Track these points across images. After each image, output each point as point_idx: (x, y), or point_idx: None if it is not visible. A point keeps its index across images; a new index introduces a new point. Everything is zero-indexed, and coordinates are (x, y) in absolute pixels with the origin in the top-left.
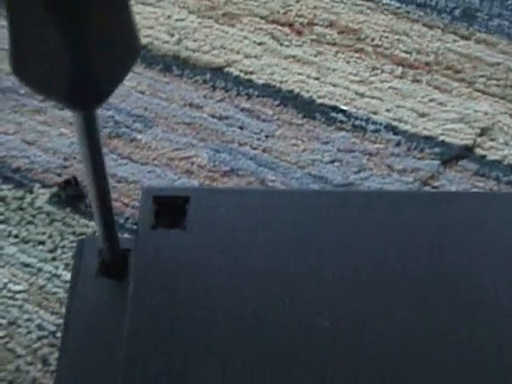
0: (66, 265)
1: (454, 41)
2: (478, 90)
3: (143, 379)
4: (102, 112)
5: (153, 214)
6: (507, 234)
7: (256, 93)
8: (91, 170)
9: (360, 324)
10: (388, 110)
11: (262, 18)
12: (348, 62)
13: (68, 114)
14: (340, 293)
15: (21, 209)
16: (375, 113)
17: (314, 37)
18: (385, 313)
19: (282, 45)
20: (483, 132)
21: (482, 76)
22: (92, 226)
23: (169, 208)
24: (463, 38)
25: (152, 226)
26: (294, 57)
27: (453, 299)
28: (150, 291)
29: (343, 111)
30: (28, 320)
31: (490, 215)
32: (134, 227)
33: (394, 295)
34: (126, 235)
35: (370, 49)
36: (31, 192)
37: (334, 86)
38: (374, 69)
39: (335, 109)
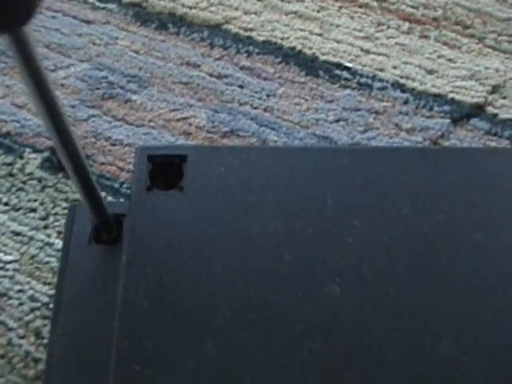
0: (59, 233)
1: None
2: (489, 46)
3: (138, 349)
4: (94, 73)
5: (148, 174)
6: None
7: (256, 50)
8: (45, 111)
9: (371, 289)
10: (395, 67)
11: None
12: (352, 18)
13: (60, 75)
14: (349, 257)
15: (11, 175)
16: (381, 70)
17: None
18: (396, 276)
19: (282, 0)
20: (494, 89)
21: (492, 32)
22: None
23: (165, 168)
24: None
25: (147, 187)
26: (295, 12)
27: (467, 259)
28: (145, 257)
29: (348, 68)
30: (20, 291)
31: (504, 171)
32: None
33: (405, 257)
34: (121, 200)
35: (374, 4)
36: (21, 157)
37: (338, 42)
38: (379, 24)
39: (339, 66)
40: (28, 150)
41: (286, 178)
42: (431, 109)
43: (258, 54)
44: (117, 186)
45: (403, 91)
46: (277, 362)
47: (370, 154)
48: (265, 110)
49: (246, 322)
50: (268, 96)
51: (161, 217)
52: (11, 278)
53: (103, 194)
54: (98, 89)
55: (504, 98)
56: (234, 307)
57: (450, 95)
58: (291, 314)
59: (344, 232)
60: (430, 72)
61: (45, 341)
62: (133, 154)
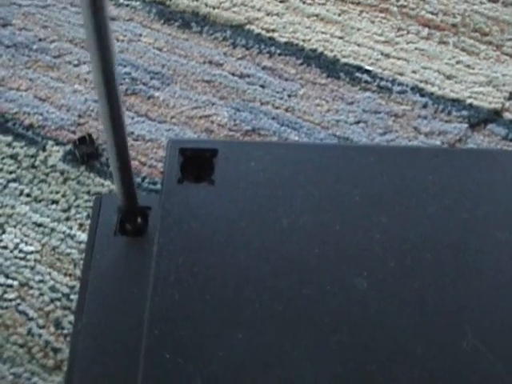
0: (80, 225)
1: (481, 3)
2: (506, 54)
3: (168, 338)
4: (118, 68)
5: (179, 167)
6: None
7: (278, 51)
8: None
9: (397, 284)
10: (414, 72)
11: None
12: (373, 22)
13: (83, 69)
14: (376, 252)
15: (33, 167)
16: (401, 74)
17: None
18: (421, 272)
19: (304, 3)
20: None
21: (510, 39)
22: (107, 185)
23: (196, 162)
24: (490, 0)
25: (178, 179)
26: (317, 15)
27: (490, 256)
28: (176, 248)
29: (368, 71)
30: (40, 282)
31: None
32: (152, 187)
33: (430, 253)
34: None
35: (395, 9)
36: (44, 150)
37: (359, 45)
38: (399, 29)
39: (360, 69)
40: (51, 142)
41: (315, 173)
42: (449, 113)
43: (279, 54)
44: (139, 180)
45: (422, 95)
46: (305, 353)
47: (396, 152)
48: (286, 110)
49: (274, 313)
50: (289, 96)
51: (191, 209)
52: (32, 268)
53: None
54: (121, 84)
55: None
56: (264, 298)
57: (468, 100)
58: (319, 307)
59: (371, 228)
60: (449, 77)
61: (65, 331)
62: (155, 150)
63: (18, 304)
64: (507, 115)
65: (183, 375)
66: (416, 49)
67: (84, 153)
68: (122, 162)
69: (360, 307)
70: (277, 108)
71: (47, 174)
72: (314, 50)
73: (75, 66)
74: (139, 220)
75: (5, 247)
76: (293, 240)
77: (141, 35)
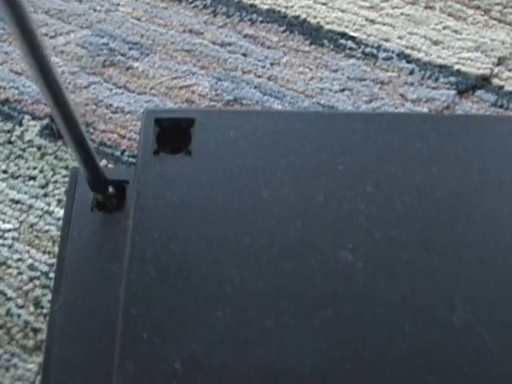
0: (59, 201)
1: None
2: (495, 18)
3: (146, 317)
4: (95, 39)
5: (155, 138)
6: None
7: (260, 19)
8: (39, 72)
9: (384, 256)
10: (400, 38)
11: None
12: None
13: (59, 41)
14: (362, 223)
15: (10, 142)
16: (387, 40)
17: None
18: (409, 243)
19: None
20: (500, 61)
21: (498, 3)
22: None
23: (173, 132)
24: None
25: (154, 151)
26: None
27: (480, 226)
28: (152, 223)
29: (353, 38)
30: (19, 260)
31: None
32: (132, 160)
33: (418, 223)
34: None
35: None
36: (21, 124)
37: (343, 11)
38: None
39: (344, 35)
40: (27, 117)
41: (297, 142)
42: (437, 80)
43: (261, 22)
44: (118, 153)
45: (408, 62)
46: (288, 331)
47: (382, 119)
48: (269, 78)
49: (256, 290)
50: (272, 65)
51: (168, 181)
52: (10, 246)
53: (104, 161)
54: (98, 55)
55: (510, 70)
56: (244, 274)
57: (456, 66)
58: (303, 282)
59: (356, 198)
60: (436, 43)
61: (44, 310)
62: (134, 122)
63: None
64: (496, 81)
65: (161, 356)
66: (402, 14)
67: None
68: (73, 132)
69: (345, 281)
70: (259, 77)
71: (24, 150)
72: (297, 17)
73: (51, 37)
74: (111, 194)
75: None
76: (274, 212)
77: (119, 5)
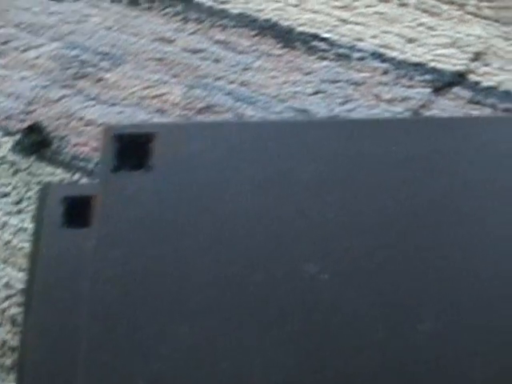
0: (33, 217)
1: None
2: (470, 13)
3: (108, 338)
4: (66, 52)
5: (114, 154)
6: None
7: (231, 23)
8: None
9: (351, 267)
10: (374, 37)
11: None
12: None
13: (31, 55)
14: (329, 235)
15: None
16: (360, 40)
17: None
18: (378, 252)
19: None
20: (476, 57)
21: None
22: (59, 174)
23: (133, 148)
24: None
25: (114, 167)
26: None
27: (451, 232)
28: (114, 241)
29: (325, 39)
30: None
31: (487, 140)
32: None
33: (387, 232)
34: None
35: None
36: None
37: (315, 12)
38: None
39: (317, 37)
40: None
41: (261, 153)
42: (412, 78)
43: (232, 27)
44: (91, 166)
45: (383, 61)
46: (254, 345)
47: (349, 125)
48: (241, 84)
49: (220, 304)
50: (244, 70)
51: (129, 198)
52: None
53: (77, 175)
54: (69, 68)
55: (486, 65)
56: (208, 289)
57: (431, 64)
58: (268, 295)
59: (323, 207)
60: (410, 40)
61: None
62: None
63: None
64: (472, 77)
65: (124, 377)
66: (375, 12)
67: (34, 142)
68: None
69: (312, 294)
70: (231, 83)
71: None
72: (268, 20)
73: (22, 51)
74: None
75: None
76: (237, 226)
77: (89, 15)
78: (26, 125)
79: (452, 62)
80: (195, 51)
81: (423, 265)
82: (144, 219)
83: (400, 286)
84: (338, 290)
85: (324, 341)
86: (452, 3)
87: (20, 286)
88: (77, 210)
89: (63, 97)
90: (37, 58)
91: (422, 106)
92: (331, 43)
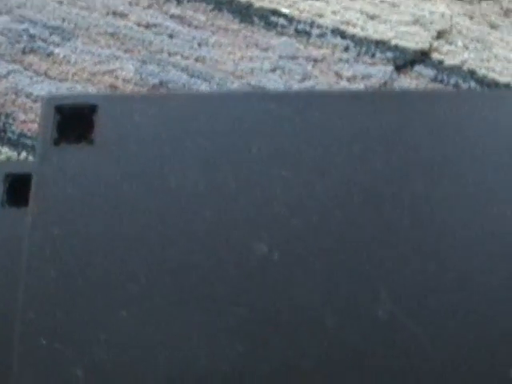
0: None
1: None
2: None
3: (44, 321)
4: (14, 25)
5: (55, 127)
6: (474, 133)
7: None
8: None
9: (302, 246)
10: (334, 13)
11: None
12: None
13: None
14: (278, 211)
15: None
16: (320, 16)
17: None
18: (330, 231)
19: None
20: (440, 35)
21: None
22: (6, 153)
23: (75, 120)
24: None
25: (54, 141)
26: None
27: (406, 210)
28: (52, 219)
29: (284, 15)
30: None
31: (446, 115)
32: None
33: (340, 209)
34: None
35: None
36: None
37: None
38: None
39: (276, 12)
40: None
41: (206, 126)
42: (373, 56)
43: (188, 1)
44: None
45: (343, 38)
46: (198, 330)
47: (299, 98)
48: (196, 60)
49: (163, 287)
50: (199, 45)
51: (69, 173)
52: None
53: (24, 153)
54: (18, 42)
55: (450, 43)
56: (150, 270)
57: (393, 41)
58: (213, 277)
59: (271, 184)
60: (372, 17)
61: None
62: None
63: None
64: (436, 55)
65: (62, 363)
66: None
67: None
68: None
69: (260, 275)
70: (186, 58)
71: None
72: None
73: None
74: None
75: None
76: (182, 203)
77: None
78: None
79: (415, 39)
80: (149, 26)
81: (379, 244)
82: (84, 195)
83: (354, 266)
84: (288, 270)
85: (274, 326)
86: None
87: None
88: (19, 188)
89: (11, 72)
90: None
91: (384, 84)
92: (290, 19)
